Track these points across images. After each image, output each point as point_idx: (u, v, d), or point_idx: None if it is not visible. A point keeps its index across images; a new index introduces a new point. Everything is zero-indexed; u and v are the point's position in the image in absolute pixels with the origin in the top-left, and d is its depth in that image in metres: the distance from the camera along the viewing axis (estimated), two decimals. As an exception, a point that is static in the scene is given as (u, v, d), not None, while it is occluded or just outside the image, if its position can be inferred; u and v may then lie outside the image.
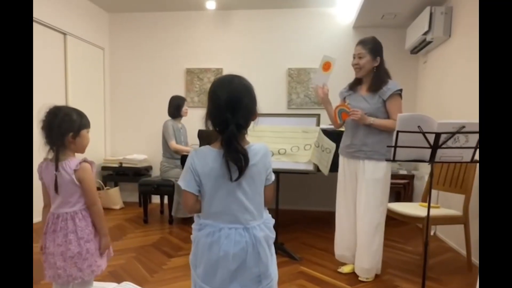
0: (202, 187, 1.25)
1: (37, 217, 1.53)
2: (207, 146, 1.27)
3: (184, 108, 4.06)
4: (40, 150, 1.57)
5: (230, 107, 1.19)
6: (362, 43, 2.44)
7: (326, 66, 2.58)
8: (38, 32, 3.76)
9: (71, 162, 1.58)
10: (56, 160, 1.56)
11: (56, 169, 1.55)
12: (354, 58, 2.46)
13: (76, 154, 1.66)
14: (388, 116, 2.40)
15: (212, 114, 1.22)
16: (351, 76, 2.60)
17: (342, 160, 2.61)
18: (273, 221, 1.37)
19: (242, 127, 1.22)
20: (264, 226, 1.29)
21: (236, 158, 1.18)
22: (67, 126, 1.57)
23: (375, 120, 2.37)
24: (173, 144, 3.90)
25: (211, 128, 1.24)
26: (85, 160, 1.61)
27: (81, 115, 1.65)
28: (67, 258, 1.57)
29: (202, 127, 1.25)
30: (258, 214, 1.29)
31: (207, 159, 1.23)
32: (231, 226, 1.24)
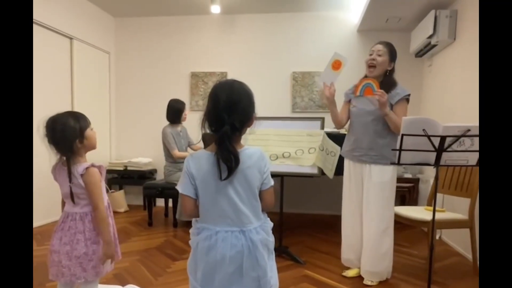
0: (198, 191, 1.28)
1: (39, 220, 1.55)
2: (202, 150, 1.31)
3: (184, 113, 4.01)
4: (50, 156, 1.60)
5: (227, 108, 1.21)
6: (382, 43, 2.43)
7: (336, 64, 2.44)
8: (44, 36, 3.80)
9: (79, 167, 1.59)
10: (69, 172, 1.57)
11: (70, 180, 1.57)
12: (371, 55, 2.41)
13: (87, 154, 1.69)
14: None
15: (210, 114, 1.25)
16: (355, 79, 2.59)
17: (347, 163, 2.59)
18: (271, 224, 1.37)
19: (236, 129, 1.23)
20: (260, 229, 1.30)
21: (227, 158, 1.20)
22: (69, 135, 1.57)
23: (390, 112, 2.30)
24: (176, 153, 3.85)
25: (207, 129, 1.27)
26: (92, 165, 1.62)
27: (77, 117, 1.63)
28: (72, 258, 1.59)
29: (206, 130, 1.27)
30: (255, 217, 1.29)
31: (201, 162, 1.26)
32: (227, 229, 1.26)
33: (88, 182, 1.59)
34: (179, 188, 1.29)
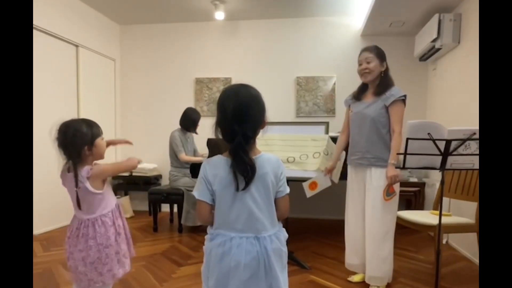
0: (214, 196, 1.26)
1: (45, 226, 1.56)
2: (219, 156, 1.28)
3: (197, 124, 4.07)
4: (59, 161, 1.61)
5: (237, 118, 1.19)
6: (367, 49, 2.43)
7: (313, 185, 2.62)
8: (51, 44, 3.85)
9: (83, 171, 1.60)
10: (76, 176, 1.57)
11: (76, 185, 1.58)
12: (360, 64, 2.43)
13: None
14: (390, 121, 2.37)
15: (221, 125, 1.23)
16: (357, 84, 2.58)
17: (350, 168, 2.59)
18: (286, 235, 1.34)
19: (250, 137, 1.22)
20: (275, 237, 1.28)
21: (243, 169, 1.19)
22: (80, 141, 1.59)
23: (392, 158, 2.27)
24: (183, 156, 3.91)
25: (220, 137, 1.25)
26: (95, 164, 1.66)
27: (90, 125, 1.66)
28: (87, 264, 1.62)
29: (212, 136, 1.26)
30: (270, 224, 1.27)
31: (218, 168, 1.24)
32: (242, 235, 1.24)
33: (101, 171, 1.64)
34: (195, 193, 1.27)
